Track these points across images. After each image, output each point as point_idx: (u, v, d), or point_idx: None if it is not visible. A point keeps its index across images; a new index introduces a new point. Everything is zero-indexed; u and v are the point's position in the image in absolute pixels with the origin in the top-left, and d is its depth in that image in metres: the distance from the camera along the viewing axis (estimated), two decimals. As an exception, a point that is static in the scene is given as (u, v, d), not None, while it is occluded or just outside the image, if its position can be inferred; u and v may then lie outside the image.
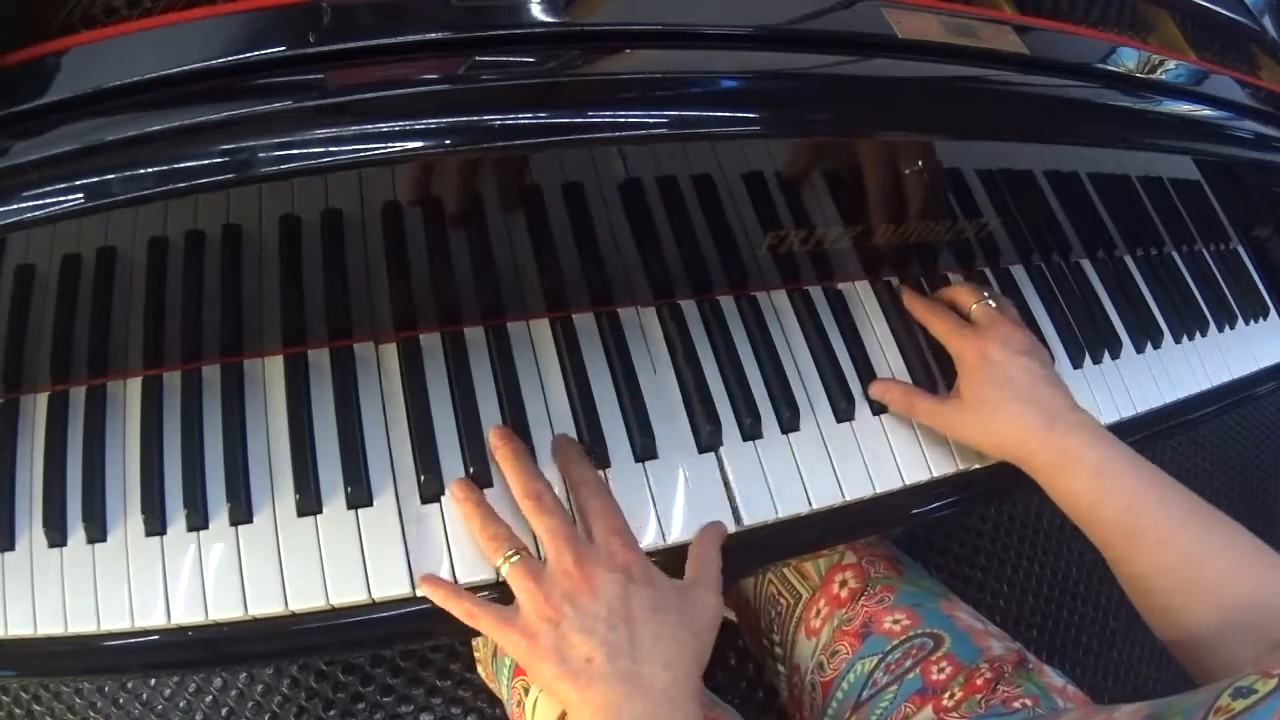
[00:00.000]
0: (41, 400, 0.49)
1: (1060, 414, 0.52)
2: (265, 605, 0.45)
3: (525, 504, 0.48)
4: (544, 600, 0.45)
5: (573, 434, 0.52)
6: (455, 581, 0.47)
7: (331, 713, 0.96)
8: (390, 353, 0.52)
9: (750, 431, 0.55)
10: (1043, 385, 0.54)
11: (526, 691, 0.61)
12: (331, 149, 0.37)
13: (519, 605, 0.46)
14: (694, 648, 0.46)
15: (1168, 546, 0.47)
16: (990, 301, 0.59)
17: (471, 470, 0.49)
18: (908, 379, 0.60)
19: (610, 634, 0.44)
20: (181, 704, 0.94)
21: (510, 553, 0.46)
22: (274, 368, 0.51)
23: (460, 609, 0.46)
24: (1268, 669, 0.32)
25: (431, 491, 0.49)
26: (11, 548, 0.46)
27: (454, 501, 0.49)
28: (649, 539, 0.50)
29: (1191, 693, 0.35)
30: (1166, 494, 0.49)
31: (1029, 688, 0.54)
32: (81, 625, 0.45)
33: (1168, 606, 0.47)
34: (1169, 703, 0.35)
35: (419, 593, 0.47)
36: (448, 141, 0.38)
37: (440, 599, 0.46)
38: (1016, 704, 0.53)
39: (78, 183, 0.35)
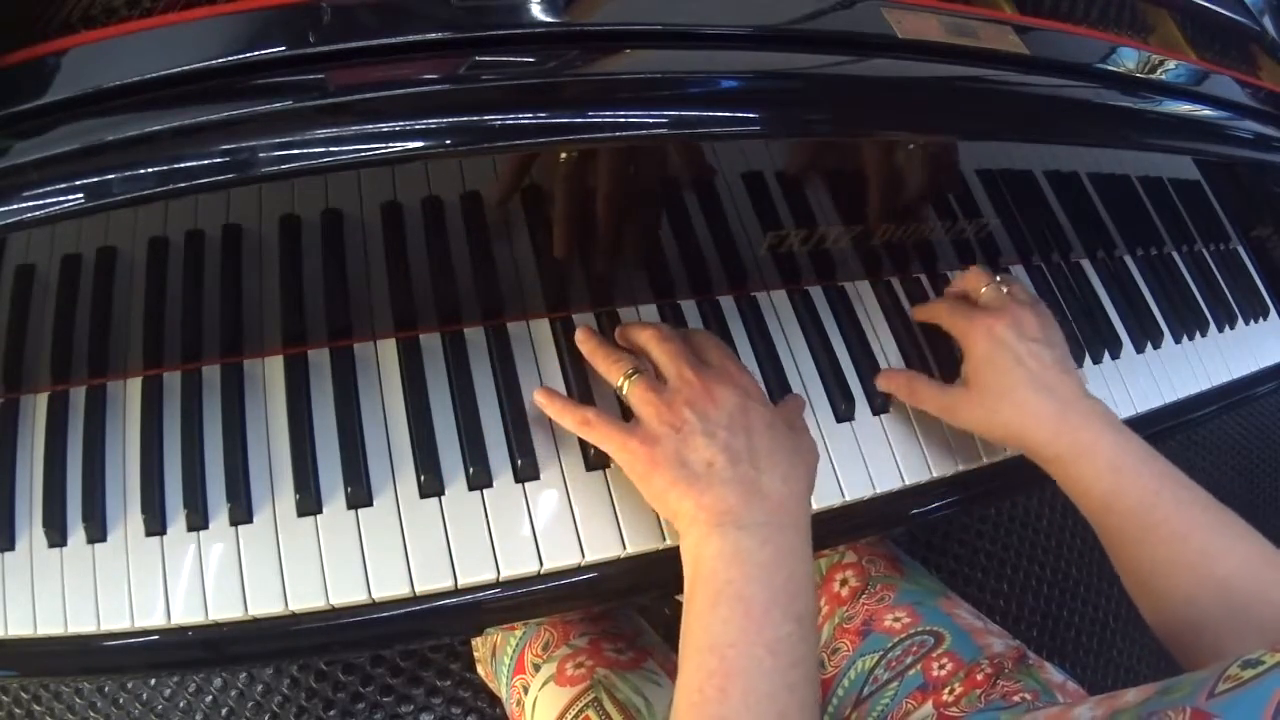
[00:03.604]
0: (41, 400, 0.49)
1: (1072, 402, 0.50)
2: (265, 605, 0.45)
3: (645, 336, 0.50)
4: (666, 407, 0.46)
5: (572, 432, 0.52)
6: (458, 588, 0.47)
7: (331, 713, 0.96)
8: (390, 353, 0.52)
9: (750, 431, 0.54)
10: (1054, 371, 0.51)
11: (526, 690, 0.61)
12: (331, 149, 0.37)
13: (639, 418, 0.47)
14: (805, 473, 0.47)
15: (1182, 543, 0.47)
16: (1001, 286, 0.57)
17: (471, 470, 0.49)
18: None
19: (732, 439, 0.44)
20: (181, 704, 0.95)
21: (631, 371, 0.48)
22: (274, 368, 0.51)
23: (573, 418, 0.48)
24: (1276, 646, 0.32)
25: (432, 491, 0.49)
26: (11, 548, 0.46)
27: (579, 344, 0.51)
28: (648, 539, 0.50)
29: (1199, 671, 0.35)
30: (1181, 490, 0.48)
31: (1029, 682, 0.54)
32: (81, 625, 0.45)
33: (1172, 601, 0.47)
34: (1178, 680, 0.36)
35: (534, 400, 0.50)
36: (448, 141, 0.38)
37: (553, 410, 0.49)
38: (1016, 698, 0.53)
39: (78, 183, 0.35)
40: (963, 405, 0.54)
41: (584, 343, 0.51)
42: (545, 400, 0.49)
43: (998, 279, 0.58)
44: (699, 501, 0.43)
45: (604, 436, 0.47)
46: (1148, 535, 0.48)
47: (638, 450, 0.45)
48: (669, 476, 0.44)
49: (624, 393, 0.48)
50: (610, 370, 0.49)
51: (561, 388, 0.53)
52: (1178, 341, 0.75)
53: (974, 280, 0.58)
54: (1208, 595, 0.46)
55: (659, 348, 0.49)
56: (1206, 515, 0.47)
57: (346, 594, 0.46)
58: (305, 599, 0.46)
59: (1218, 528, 0.47)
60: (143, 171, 0.36)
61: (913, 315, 0.61)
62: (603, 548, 0.49)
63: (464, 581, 0.47)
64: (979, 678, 0.55)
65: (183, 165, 0.36)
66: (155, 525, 0.47)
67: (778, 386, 0.56)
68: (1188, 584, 0.46)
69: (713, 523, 0.43)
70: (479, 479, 0.49)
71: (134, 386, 0.50)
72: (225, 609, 0.45)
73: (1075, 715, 0.39)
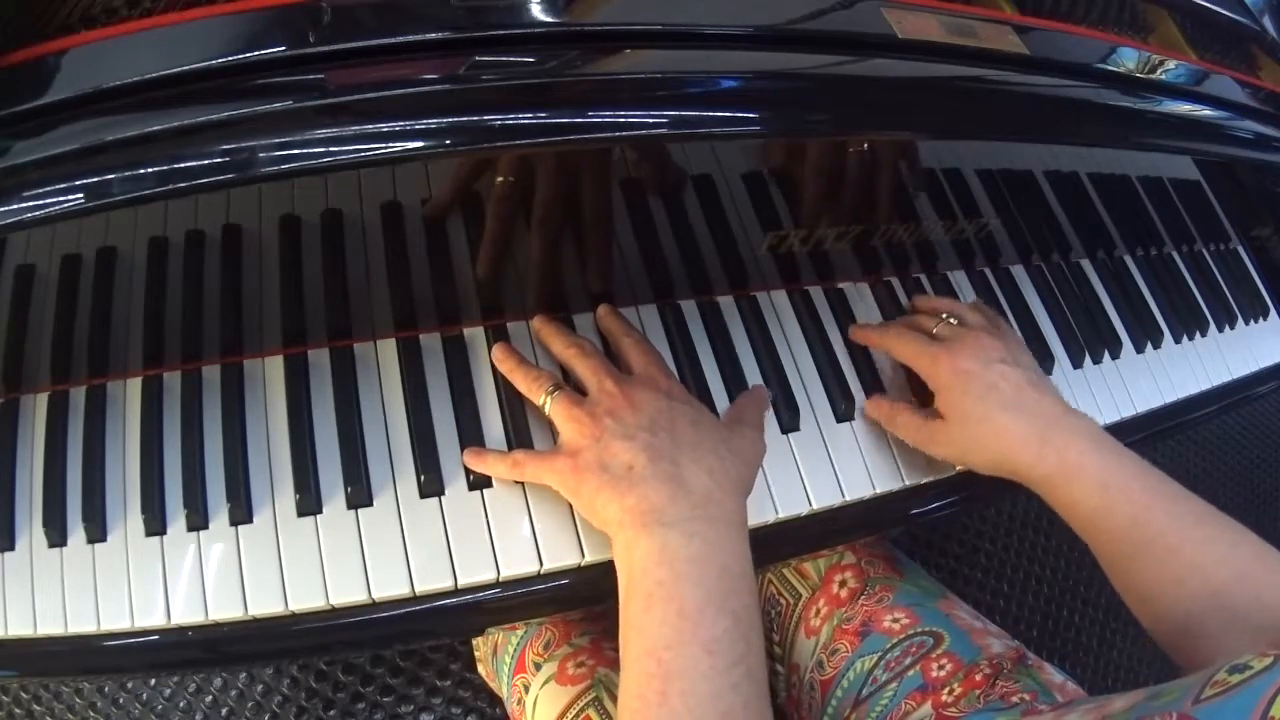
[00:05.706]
0: (41, 400, 0.49)
1: (1053, 421, 0.50)
2: (265, 605, 0.45)
3: (567, 353, 0.50)
4: (588, 419, 0.46)
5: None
6: (458, 588, 0.47)
7: (331, 713, 0.96)
8: (390, 353, 0.52)
9: (750, 431, 0.54)
10: (1029, 390, 0.51)
11: (527, 690, 0.61)
12: (331, 149, 0.37)
13: (561, 435, 0.47)
14: (737, 468, 0.46)
15: (1175, 556, 0.46)
16: (951, 319, 0.56)
17: (471, 474, 0.49)
18: (907, 380, 0.60)
19: (651, 439, 0.44)
20: (181, 704, 0.94)
21: (551, 387, 0.48)
22: (274, 368, 0.51)
23: (504, 465, 0.48)
24: (1264, 650, 0.32)
25: (432, 491, 0.49)
26: (11, 548, 0.46)
27: (496, 364, 0.51)
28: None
29: (1188, 676, 0.35)
30: (1172, 503, 0.47)
31: (1028, 683, 0.54)
32: (81, 625, 0.45)
33: (1168, 613, 0.47)
34: (1166, 686, 0.36)
35: (464, 462, 0.49)
36: (448, 141, 0.38)
37: (484, 466, 0.49)
38: (1015, 698, 0.53)
39: (78, 183, 0.35)
40: (941, 437, 0.52)
41: (503, 362, 0.51)
42: (473, 460, 0.49)
43: (945, 315, 0.57)
44: (623, 504, 0.43)
45: (537, 469, 0.47)
46: (1140, 551, 0.47)
47: (563, 466, 0.46)
48: (594, 483, 0.44)
49: (546, 410, 0.48)
50: (531, 389, 0.49)
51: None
52: (1178, 341, 0.75)
53: (924, 322, 0.58)
54: (1202, 606, 0.45)
55: (580, 363, 0.49)
56: (1200, 529, 0.46)
57: (346, 594, 0.46)
58: (305, 599, 0.46)
59: (1212, 540, 0.46)
60: (143, 171, 0.36)
61: (856, 338, 0.59)
62: (603, 547, 0.49)
63: (464, 581, 0.47)
64: (978, 678, 0.55)
65: (183, 165, 0.36)
66: (155, 525, 0.47)
67: (778, 386, 0.56)
68: (1182, 596, 0.46)
69: (638, 523, 0.42)
70: (479, 479, 0.49)
71: (134, 386, 0.50)
72: (225, 609, 0.45)
73: None
